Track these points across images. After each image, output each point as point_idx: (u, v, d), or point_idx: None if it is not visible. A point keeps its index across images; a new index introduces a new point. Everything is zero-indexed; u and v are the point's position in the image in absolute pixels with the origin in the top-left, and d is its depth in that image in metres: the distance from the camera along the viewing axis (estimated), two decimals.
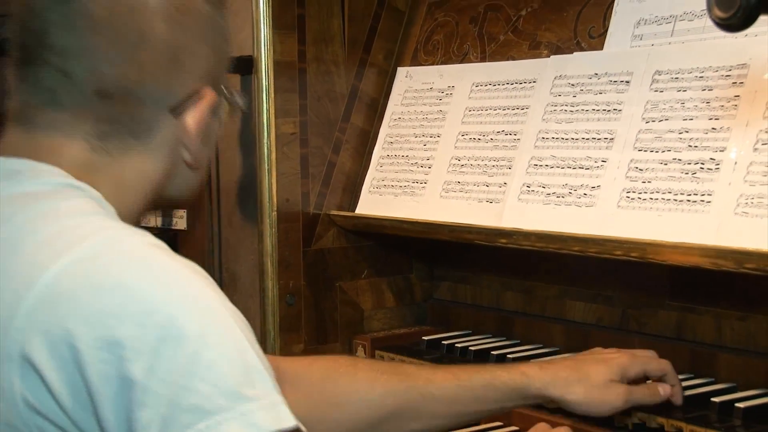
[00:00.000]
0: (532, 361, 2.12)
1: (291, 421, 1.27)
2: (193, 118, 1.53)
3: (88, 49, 1.45)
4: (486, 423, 2.25)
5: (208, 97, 1.54)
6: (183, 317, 1.26)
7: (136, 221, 1.54)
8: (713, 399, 1.98)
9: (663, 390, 1.98)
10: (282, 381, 1.88)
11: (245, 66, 2.53)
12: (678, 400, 2.00)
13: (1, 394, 1.26)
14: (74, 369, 1.24)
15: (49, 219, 1.36)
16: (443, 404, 1.96)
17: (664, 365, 2.02)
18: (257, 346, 1.33)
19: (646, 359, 2.02)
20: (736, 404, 1.94)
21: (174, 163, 1.56)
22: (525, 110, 2.33)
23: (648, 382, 2.02)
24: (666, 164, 2.01)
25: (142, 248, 1.34)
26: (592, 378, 1.94)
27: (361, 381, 1.96)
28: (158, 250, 1.35)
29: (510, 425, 2.24)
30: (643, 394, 1.97)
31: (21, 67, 1.49)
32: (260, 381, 1.28)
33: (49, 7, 1.45)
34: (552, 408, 2.05)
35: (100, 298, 1.26)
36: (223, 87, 1.60)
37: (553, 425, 1.93)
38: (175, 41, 1.49)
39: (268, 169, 2.51)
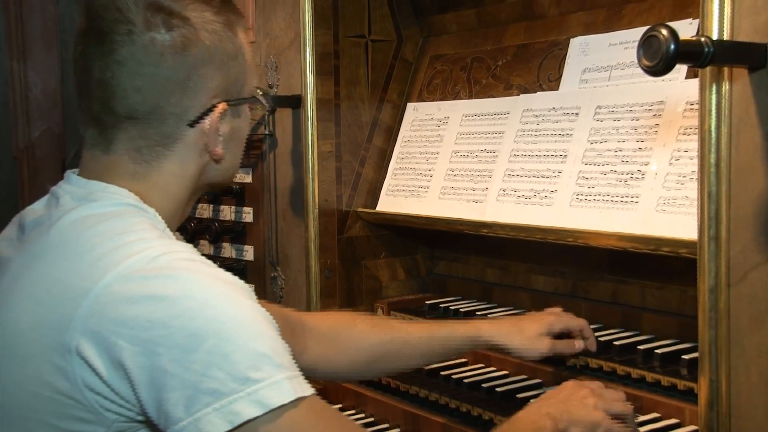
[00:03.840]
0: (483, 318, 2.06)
1: (292, 395, 1.22)
2: (209, 126, 1.43)
3: (119, 84, 1.38)
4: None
5: (219, 108, 1.43)
6: (203, 319, 1.22)
7: (185, 211, 1.49)
8: (639, 347, 2.00)
9: (578, 345, 1.99)
10: (303, 331, 1.90)
11: (295, 102, 2.50)
12: (593, 348, 2.00)
13: (67, 377, 1.26)
14: (117, 361, 1.24)
15: (106, 238, 1.31)
16: (417, 349, 1.97)
17: (581, 322, 2.02)
18: (272, 335, 1.26)
19: (567, 318, 2.02)
20: (656, 350, 1.95)
21: (204, 161, 1.46)
22: (501, 134, 2.32)
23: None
24: (605, 174, 2.01)
25: (172, 263, 1.27)
26: (526, 331, 1.94)
27: (358, 332, 1.96)
28: (189, 263, 1.29)
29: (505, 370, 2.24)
30: (563, 346, 1.98)
31: (80, 100, 1.43)
32: (267, 365, 1.22)
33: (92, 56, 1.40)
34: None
35: (135, 308, 1.23)
36: (248, 92, 1.49)
37: None
38: (182, 71, 1.39)
39: (312, 178, 2.49)
